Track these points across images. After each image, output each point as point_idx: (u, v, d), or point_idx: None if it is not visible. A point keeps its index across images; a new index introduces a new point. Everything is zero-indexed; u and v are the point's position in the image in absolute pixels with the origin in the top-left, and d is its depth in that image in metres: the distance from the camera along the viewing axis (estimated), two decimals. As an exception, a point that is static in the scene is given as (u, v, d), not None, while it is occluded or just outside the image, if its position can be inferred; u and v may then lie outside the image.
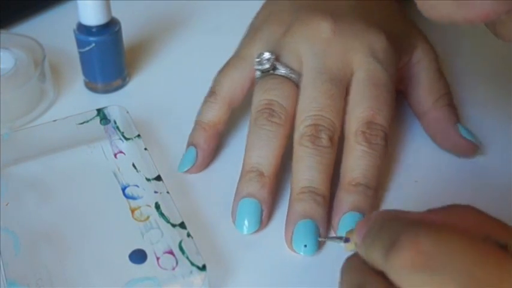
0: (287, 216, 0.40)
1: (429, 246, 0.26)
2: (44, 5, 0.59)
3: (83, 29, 0.48)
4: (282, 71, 0.43)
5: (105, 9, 0.47)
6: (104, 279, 0.37)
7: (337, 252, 0.34)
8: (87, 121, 0.45)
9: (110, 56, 0.49)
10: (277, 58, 0.43)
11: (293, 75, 0.42)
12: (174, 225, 0.38)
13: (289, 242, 0.39)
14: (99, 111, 0.45)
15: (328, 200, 0.40)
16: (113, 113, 0.45)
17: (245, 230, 0.40)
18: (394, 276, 0.26)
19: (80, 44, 0.49)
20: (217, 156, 0.45)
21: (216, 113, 0.45)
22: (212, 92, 0.45)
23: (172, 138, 0.47)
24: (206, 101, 0.45)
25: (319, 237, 0.39)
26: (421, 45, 0.47)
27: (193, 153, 0.44)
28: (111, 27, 0.49)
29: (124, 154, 0.44)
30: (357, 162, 0.40)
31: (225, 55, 0.52)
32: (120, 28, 0.49)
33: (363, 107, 0.41)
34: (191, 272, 0.36)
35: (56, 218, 0.40)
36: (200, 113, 0.45)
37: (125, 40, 0.50)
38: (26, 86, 0.48)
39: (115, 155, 0.44)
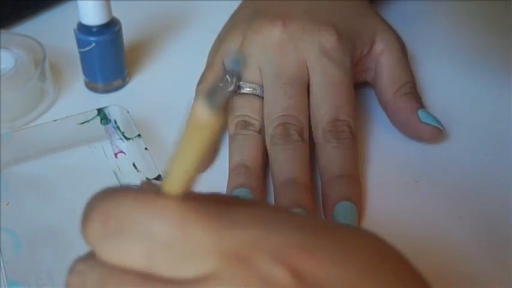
0: None
1: (103, 209, 0.24)
2: (44, 5, 0.59)
3: (83, 29, 0.48)
4: (246, 89, 0.45)
5: (105, 9, 0.47)
6: None
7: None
8: (88, 121, 0.45)
9: (110, 55, 0.49)
10: (240, 78, 0.44)
11: (257, 90, 0.44)
12: None
13: None
14: (100, 111, 0.45)
15: (310, 189, 0.41)
16: (114, 113, 0.45)
17: None
18: (94, 249, 0.25)
19: (80, 43, 0.49)
20: (218, 157, 0.45)
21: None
22: None
23: (172, 138, 0.46)
24: None
25: None
26: (381, 37, 0.48)
27: None
28: (111, 27, 0.49)
29: (124, 154, 0.44)
30: (330, 158, 0.42)
31: (225, 55, 0.52)
32: (120, 28, 0.49)
33: (325, 109, 0.43)
34: None
35: (56, 217, 0.40)
36: None
37: (125, 40, 0.50)
38: (26, 86, 0.48)
39: (115, 155, 0.44)
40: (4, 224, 0.39)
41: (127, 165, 0.43)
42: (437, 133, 0.45)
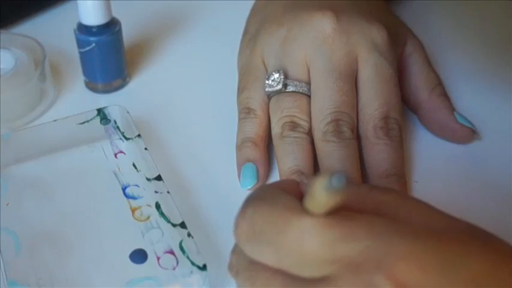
0: None
1: (251, 216, 0.29)
2: (44, 5, 0.59)
3: (83, 29, 0.48)
4: (293, 88, 0.43)
5: (105, 9, 0.47)
6: (104, 279, 0.37)
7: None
8: (88, 121, 0.45)
9: (110, 55, 0.49)
10: (285, 75, 0.43)
11: (304, 88, 0.43)
12: (174, 225, 0.38)
13: None
14: (100, 111, 0.45)
15: None
16: (113, 113, 0.45)
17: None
18: (241, 247, 0.30)
19: (80, 43, 0.49)
20: (219, 156, 0.45)
21: (260, 127, 0.44)
22: (249, 109, 0.44)
23: (172, 138, 0.47)
24: (245, 118, 0.44)
25: None
26: (411, 39, 0.48)
27: (254, 169, 0.42)
28: (111, 27, 0.49)
29: (124, 154, 0.44)
30: (382, 156, 0.41)
31: (225, 55, 0.53)
32: (120, 28, 0.49)
33: (377, 104, 0.42)
34: (191, 271, 0.36)
35: (57, 217, 0.40)
36: (243, 131, 0.44)
37: (125, 40, 0.50)
38: (26, 86, 0.48)
39: (115, 155, 0.44)
40: (4, 225, 0.39)
41: (127, 165, 0.43)
42: (471, 135, 0.45)
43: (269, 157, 0.44)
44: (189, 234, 0.37)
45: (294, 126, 0.42)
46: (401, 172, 0.42)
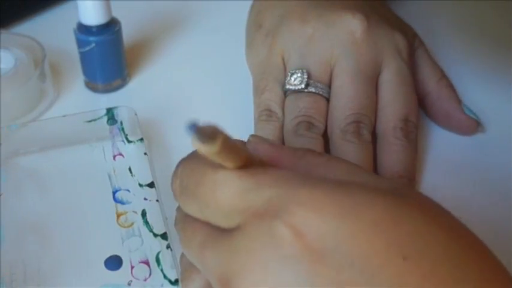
0: None
1: (180, 173, 0.30)
2: (44, 5, 0.59)
3: (83, 29, 0.48)
4: (313, 89, 0.43)
5: (105, 9, 0.47)
6: (75, 280, 0.36)
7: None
8: (95, 119, 0.45)
9: (110, 55, 0.49)
10: (308, 75, 0.43)
11: (324, 90, 0.43)
12: (155, 235, 0.38)
13: None
14: (109, 110, 0.45)
15: None
16: (122, 114, 0.45)
17: None
18: (177, 201, 0.31)
19: (80, 43, 0.49)
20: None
21: (281, 131, 0.43)
22: (271, 111, 0.44)
23: (172, 138, 0.46)
24: (266, 120, 0.44)
25: None
26: (416, 37, 0.49)
27: None
28: (111, 27, 0.48)
29: (123, 157, 0.44)
30: (398, 156, 0.41)
31: (225, 55, 0.53)
32: (120, 28, 0.49)
33: (399, 105, 0.42)
34: (162, 285, 0.35)
35: (45, 214, 0.40)
36: (265, 134, 0.43)
37: (125, 40, 0.50)
38: (26, 86, 0.48)
39: (114, 157, 0.44)
40: None
41: (123, 168, 0.43)
42: (476, 127, 0.45)
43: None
44: (168, 246, 0.37)
45: (309, 126, 0.42)
46: (412, 176, 0.41)
